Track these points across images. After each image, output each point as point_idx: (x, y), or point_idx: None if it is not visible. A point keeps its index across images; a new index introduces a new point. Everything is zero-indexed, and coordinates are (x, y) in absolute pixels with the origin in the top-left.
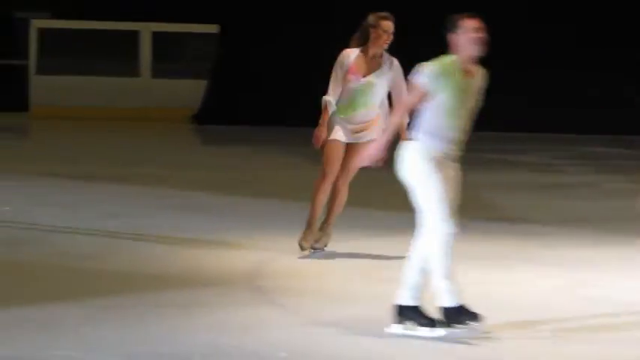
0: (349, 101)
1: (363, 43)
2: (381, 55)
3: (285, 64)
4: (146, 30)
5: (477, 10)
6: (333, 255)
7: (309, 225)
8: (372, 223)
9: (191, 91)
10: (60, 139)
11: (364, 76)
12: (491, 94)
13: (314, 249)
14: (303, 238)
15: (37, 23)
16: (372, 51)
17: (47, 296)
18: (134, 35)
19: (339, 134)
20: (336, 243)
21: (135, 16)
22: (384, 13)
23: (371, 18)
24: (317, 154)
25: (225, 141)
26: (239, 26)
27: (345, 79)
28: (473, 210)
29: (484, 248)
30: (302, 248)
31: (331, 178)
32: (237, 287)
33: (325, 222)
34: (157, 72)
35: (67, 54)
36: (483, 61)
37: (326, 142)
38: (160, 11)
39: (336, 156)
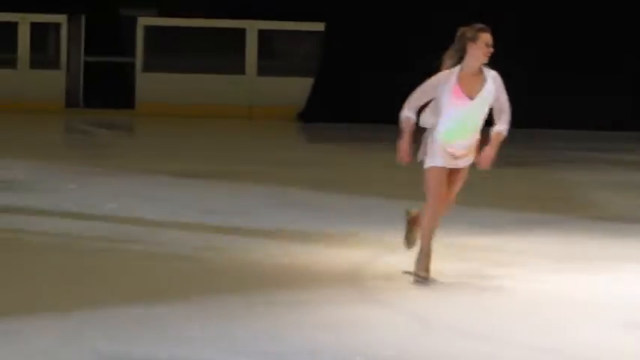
0: (458, 126)
1: (460, 60)
2: (481, 71)
3: (391, 62)
4: (252, 28)
5: None
6: (439, 252)
7: (425, 254)
8: (482, 220)
9: (297, 89)
10: (165, 137)
11: (472, 98)
12: (594, 94)
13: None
14: (423, 267)
15: (144, 21)
16: (473, 68)
17: (153, 294)
18: (240, 33)
19: (443, 160)
20: (441, 239)
21: (241, 14)
22: (480, 25)
23: (468, 31)
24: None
25: (331, 139)
26: (345, 25)
27: (450, 104)
28: (574, 209)
29: (584, 248)
30: (425, 279)
31: (440, 206)
32: (344, 285)
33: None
34: (263, 70)
35: (173, 51)
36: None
37: (429, 169)
38: (266, 9)
39: (443, 183)
